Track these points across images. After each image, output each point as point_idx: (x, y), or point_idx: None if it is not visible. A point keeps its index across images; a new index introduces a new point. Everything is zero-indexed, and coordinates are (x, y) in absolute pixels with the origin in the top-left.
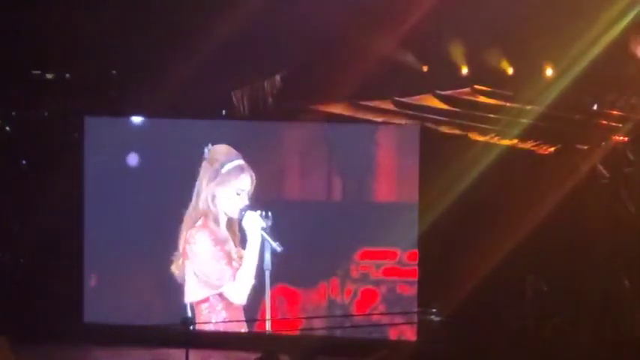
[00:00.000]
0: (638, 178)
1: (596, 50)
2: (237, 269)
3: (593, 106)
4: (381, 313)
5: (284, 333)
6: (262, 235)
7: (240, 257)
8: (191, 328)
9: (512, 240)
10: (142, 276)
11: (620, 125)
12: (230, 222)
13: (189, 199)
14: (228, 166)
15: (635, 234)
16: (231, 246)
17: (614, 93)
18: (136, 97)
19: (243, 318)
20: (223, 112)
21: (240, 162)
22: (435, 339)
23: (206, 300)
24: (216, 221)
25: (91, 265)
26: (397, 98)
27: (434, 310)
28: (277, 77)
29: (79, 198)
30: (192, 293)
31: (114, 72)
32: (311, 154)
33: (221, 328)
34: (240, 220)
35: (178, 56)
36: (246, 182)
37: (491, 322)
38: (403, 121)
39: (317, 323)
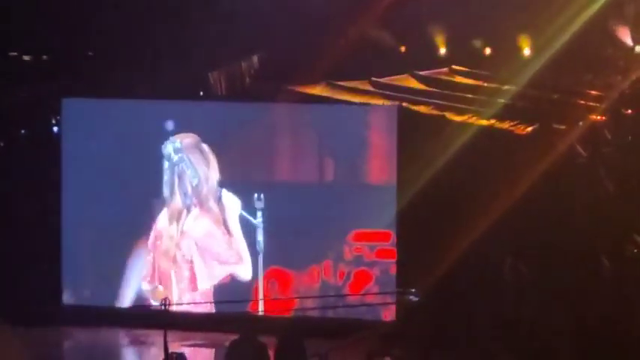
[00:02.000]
0: (615, 158)
1: (573, 30)
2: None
3: (570, 85)
4: (361, 294)
5: (266, 314)
6: (242, 213)
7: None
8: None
9: (491, 220)
10: (120, 258)
11: (598, 105)
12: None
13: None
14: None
15: (613, 213)
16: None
17: (592, 72)
18: (113, 79)
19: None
20: (201, 92)
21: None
22: (414, 319)
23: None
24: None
25: (69, 248)
26: (375, 79)
27: (413, 290)
28: (255, 58)
29: (57, 181)
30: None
31: (91, 53)
32: (289, 136)
33: (201, 309)
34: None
35: (155, 37)
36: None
37: (469, 303)
38: (381, 102)
39: (301, 305)
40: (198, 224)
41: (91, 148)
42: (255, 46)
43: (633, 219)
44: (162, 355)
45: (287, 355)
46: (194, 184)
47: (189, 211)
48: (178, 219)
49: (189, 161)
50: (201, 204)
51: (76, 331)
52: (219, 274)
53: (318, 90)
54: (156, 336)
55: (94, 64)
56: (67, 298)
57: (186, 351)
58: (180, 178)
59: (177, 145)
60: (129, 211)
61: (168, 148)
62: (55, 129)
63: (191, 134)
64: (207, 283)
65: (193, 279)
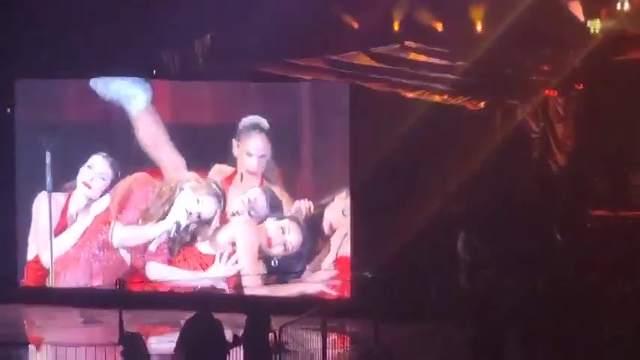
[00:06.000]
0: (567, 133)
1: (525, 5)
2: None
3: (523, 61)
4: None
5: (222, 292)
6: None
7: None
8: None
9: (444, 195)
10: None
11: (550, 80)
12: None
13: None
14: None
15: (565, 188)
16: None
17: (544, 48)
18: (66, 59)
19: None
20: (154, 71)
21: None
22: (369, 295)
23: None
24: None
25: (26, 229)
26: (328, 56)
27: (368, 267)
28: (208, 37)
29: (11, 162)
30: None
31: (43, 34)
32: (242, 114)
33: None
34: None
35: (109, 16)
36: None
37: (423, 278)
38: (334, 79)
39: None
40: None
41: (45, 128)
42: (209, 26)
43: (585, 192)
44: (117, 335)
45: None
46: None
47: None
48: None
49: None
50: None
51: (31, 312)
52: None
53: (271, 68)
54: (110, 316)
55: (46, 46)
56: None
57: (142, 330)
58: None
59: None
60: None
61: None
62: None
63: None
64: None
65: None
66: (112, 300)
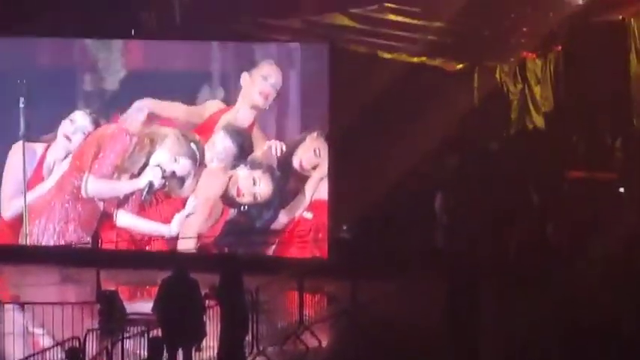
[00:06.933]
0: (545, 94)
1: None
2: None
3: (501, 22)
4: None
5: (198, 252)
6: None
7: None
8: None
9: (422, 156)
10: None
11: (529, 41)
12: None
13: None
14: None
15: (542, 149)
16: None
17: (523, 9)
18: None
19: None
20: (132, 31)
21: None
22: (345, 255)
23: None
24: None
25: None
26: (306, 17)
27: (344, 227)
28: None
29: None
30: None
31: None
32: (219, 76)
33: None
34: None
35: None
36: None
37: (400, 238)
38: (312, 40)
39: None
40: None
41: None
42: None
43: (562, 153)
44: (94, 293)
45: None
46: None
47: None
48: None
49: None
50: None
51: (7, 269)
52: None
53: (247, 28)
54: (87, 274)
55: (23, 5)
56: None
57: (119, 289)
58: None
59: None
60: None
61: None
62: None
63: None
64: None
65: None
66: (88, 257)
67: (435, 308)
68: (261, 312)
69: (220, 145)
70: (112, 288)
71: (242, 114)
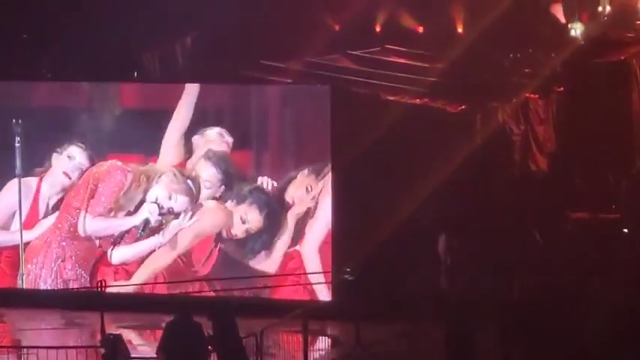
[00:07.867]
0: (548, 135)
1: (507, 6)
2: None
3: (503, 63)
4: (297, 274)
5: (202, 295)
6: None
7: None
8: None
9: (425, 197)
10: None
11: (531, 82)
12: None
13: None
14: None
15: (545, 189)
16: None
17: (525, 50)
18: (48, 61)
19: None
20: (135, 74)
21: None
22: (349, 298)
23: None
24: None
25: None
26: (308, 59)
27: (348, 269)
28: (188, 39)
29: None
30: None
31: (25, 36)
32: (222, 117)
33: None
34: None
35: (88, 18)
36: None
37: (404, 280)
38: (314, 83)
39: (235, 285)
40: None
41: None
42: (189, 27)
43: (564, 194)
44: (99, 337)
45: (221, 334)
46: None
47: None
48: None
49: None
50: None
51: (11, 314)
52: None
53: (250, 70)
54: (92, 318)
55: (29, 47)
56: (2, 281)
57: (123, 332)
58: None
59: None
60: None
61: None
62: None
63: None
64: None
65: None
66: (92, 301)
67: (438, 351)
68: (265, 355)
69: (205, 174)
70: (116, 332)
71: None
